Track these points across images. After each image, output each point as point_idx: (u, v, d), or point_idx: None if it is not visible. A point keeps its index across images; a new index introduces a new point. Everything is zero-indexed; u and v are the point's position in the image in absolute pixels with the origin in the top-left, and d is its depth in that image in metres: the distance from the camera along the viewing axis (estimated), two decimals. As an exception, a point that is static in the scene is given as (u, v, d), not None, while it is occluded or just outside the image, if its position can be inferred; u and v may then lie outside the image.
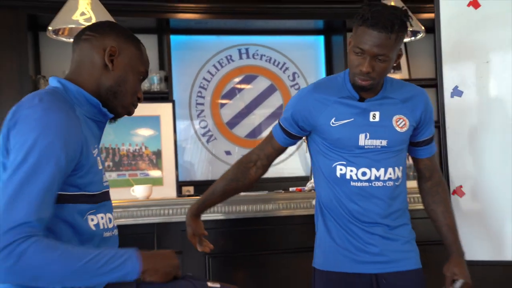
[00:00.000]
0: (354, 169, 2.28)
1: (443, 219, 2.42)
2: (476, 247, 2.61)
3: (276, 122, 2.48)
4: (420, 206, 3.20)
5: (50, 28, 3.47)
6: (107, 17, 3.41)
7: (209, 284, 1.90)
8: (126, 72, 1.94)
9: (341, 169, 2.31)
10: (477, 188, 2.61)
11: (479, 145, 2.62)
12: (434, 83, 5.68)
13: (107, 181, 1.96)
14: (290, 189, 3.89)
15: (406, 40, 4.08)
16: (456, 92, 2.65)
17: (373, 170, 2.28)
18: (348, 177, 2.29)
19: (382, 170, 2.29)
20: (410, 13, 2.22)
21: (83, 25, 3.31)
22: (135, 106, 2.00)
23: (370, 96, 2.30)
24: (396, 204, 2.35)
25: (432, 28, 4.12)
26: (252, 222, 3.05)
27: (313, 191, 2.87)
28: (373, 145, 2.29)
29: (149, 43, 5.44)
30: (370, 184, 2.29)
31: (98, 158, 1.87)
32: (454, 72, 2.65)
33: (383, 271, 2.33)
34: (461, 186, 2.63)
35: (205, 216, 3.03)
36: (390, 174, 2.31)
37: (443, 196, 2.44)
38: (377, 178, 2.29)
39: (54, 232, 1.76)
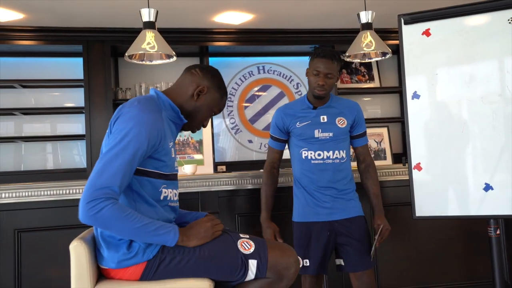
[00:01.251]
0: (313, 152, 2.53)
1: (371, 189, 2.62)
2: (429, 206, 2.61)
3: (268, 141, 2.71)
4: (390, 178, 3.26)
5: (126, 54, 3.49)
6: (165, 45, 3.42)
7: (241, 235, 1.92)
8: (203, 107, 1.97)
9: (304, 153, 2.55)
10: (430, 164, 2.61)
11: (431, 133, 2.61)
12: (399, 89, 5.68)
13: (177, 167, 1.99)
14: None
15: (378, 59, 4.07)
16: (415, 95, 2.63)
17: (325, 152, 2.51)
18: (309, 157, 2.53)
19: (331, 152, 2.51)
20: (342, 56, 2.57)
21: (149, 51, 3.34)
22: (198, 129, 2.04)
23: (321, 105, 2.57)
24: (341, 174, 2.54)
25: (397, 50, 4.11)
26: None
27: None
28: (324, 136, 2.52)
29: (194, 63, 5.41)
30: (323, 161, 2.51)
31: (173, 149, 1.90)
32: (413, 81, 2.63)
33: (333, 219, 2.51)
34: (419, 163, 2.62)
35: (235, 186, 3.06)
36: (336, 154, 2.52)
37: (372, 174, 2.64)
38: (328, 157, 2.51)
39: (132, 200, 1.80)
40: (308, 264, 2.51)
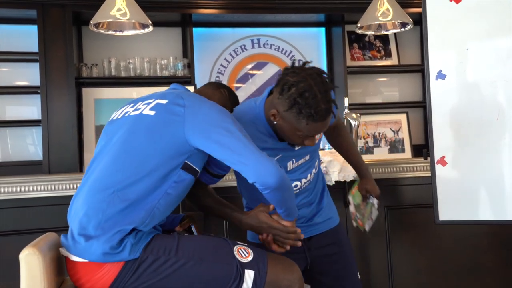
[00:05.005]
0: None
1: (346, 149, 2.56)
2: (455, 208, 2.61)
3: None
4: (408, 175, 3.26)
5: (91, 22, 3.48)
6: (139, 12, 3.41)
7: (238, 242, 1.94)
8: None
9: None
10: (457, 158, 2.61)
11: (459, 121, 2.61)
12: (421, 68, 5.68)
13: None
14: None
15: (396, 31, 4.05)
16: (440, 75, 2.63)
17: (303, 180, 2.26)
18: None
19: (309, 175, 2.28)
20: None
21: (120, 19, 3.33)
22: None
23: None
24: (318, 185, 2.39)
25: (419, 20, 4.10)
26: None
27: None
28: (299, 164, 2.23)
29: (174, 34, 5.43)
30: (300, 189, 2.27)
31: None
32: (438, 58, 2.62)
33: (308, 235, 2.32)
34: (444, 157, 2.62)
35: (224, 183, 3.04)
36: (314, 171, 2.32)
37: (343, 133, 2.53)
38: (305, 183, 2.28)
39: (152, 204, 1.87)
40: None
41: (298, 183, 2.24)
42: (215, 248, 1.86)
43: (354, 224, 2.69)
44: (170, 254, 1.81)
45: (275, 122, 2.02)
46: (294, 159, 2.20)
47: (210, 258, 1.83)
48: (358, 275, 2.48)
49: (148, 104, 1.94)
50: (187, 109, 1.87)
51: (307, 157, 2.24)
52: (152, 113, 1.90)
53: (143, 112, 1.92)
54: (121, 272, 1.78)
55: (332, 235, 2.42)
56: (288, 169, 2.19)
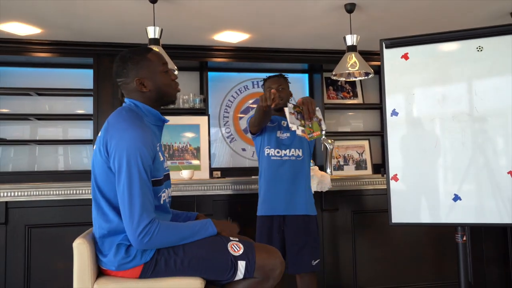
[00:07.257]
0: (272, 150, 2.66)
1: None
2: (404, 213, 2.61)
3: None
4: (369, 187, 3.27)
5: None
6: (168, 60, 3.43)
7: (231, 238, 1.91)
8: (154, 81, 1.88)
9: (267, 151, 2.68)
10: (405, 175, 2.61)
11: (407, 147, 2.62)
12: (380, 106, 5.70)
13: (168, 167, 1.97)
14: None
15: (361, 78, 4.09)
16: (394, 113, 2.64)
17: (287, 149, 2.64)
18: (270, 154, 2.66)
19: (292, 150, 2.64)
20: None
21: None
22: (176, 89, 1.92)
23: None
24: (302, 176, 2.63)
25: (378, 70, 4.13)
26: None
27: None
28: (285, 137, 2.67)
29: (193, 77, 5.45)
30: (288, 156, 2.63)
31: (160, 152, 1.86)
32: (393, 99, 2.63)
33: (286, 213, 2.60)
34: (396, 174, 2.61)
35: (228, 191, 3.04)
36: (298, 153, 2.64)
37: None
38: (288, 155, 2.63)
39: None
40: None
41: (284, 151, 2.63)
42: (213, 246, 1.83)
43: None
44: (178, 254, 1.78)
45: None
46: (281, 131, 2.70)
47: (210, 255, 1.80)
48: (314, 263, 2.57)
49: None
50: (107, 134, 1.78)
51: (288, 134, 2.66)
52: (97, 148, 1.83)
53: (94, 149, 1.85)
54: (143, 270, 1.77)
55: (304, 221, 2.58)
56: (277, 135, 2.68)
